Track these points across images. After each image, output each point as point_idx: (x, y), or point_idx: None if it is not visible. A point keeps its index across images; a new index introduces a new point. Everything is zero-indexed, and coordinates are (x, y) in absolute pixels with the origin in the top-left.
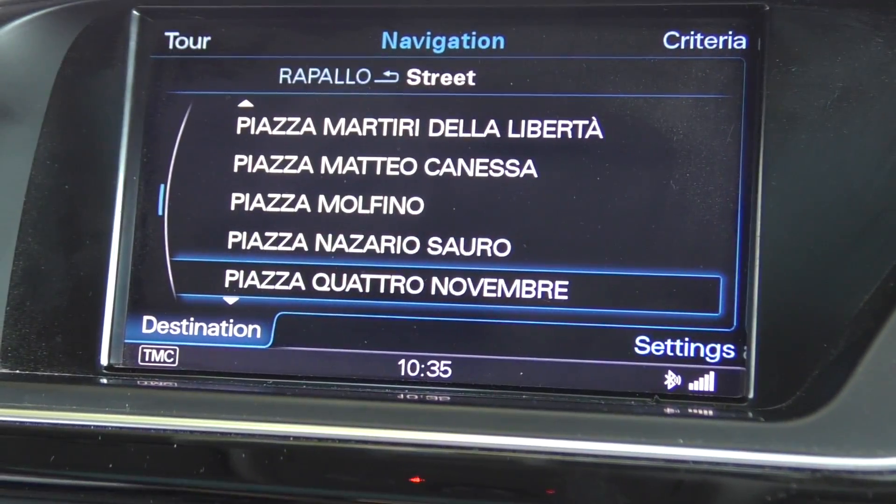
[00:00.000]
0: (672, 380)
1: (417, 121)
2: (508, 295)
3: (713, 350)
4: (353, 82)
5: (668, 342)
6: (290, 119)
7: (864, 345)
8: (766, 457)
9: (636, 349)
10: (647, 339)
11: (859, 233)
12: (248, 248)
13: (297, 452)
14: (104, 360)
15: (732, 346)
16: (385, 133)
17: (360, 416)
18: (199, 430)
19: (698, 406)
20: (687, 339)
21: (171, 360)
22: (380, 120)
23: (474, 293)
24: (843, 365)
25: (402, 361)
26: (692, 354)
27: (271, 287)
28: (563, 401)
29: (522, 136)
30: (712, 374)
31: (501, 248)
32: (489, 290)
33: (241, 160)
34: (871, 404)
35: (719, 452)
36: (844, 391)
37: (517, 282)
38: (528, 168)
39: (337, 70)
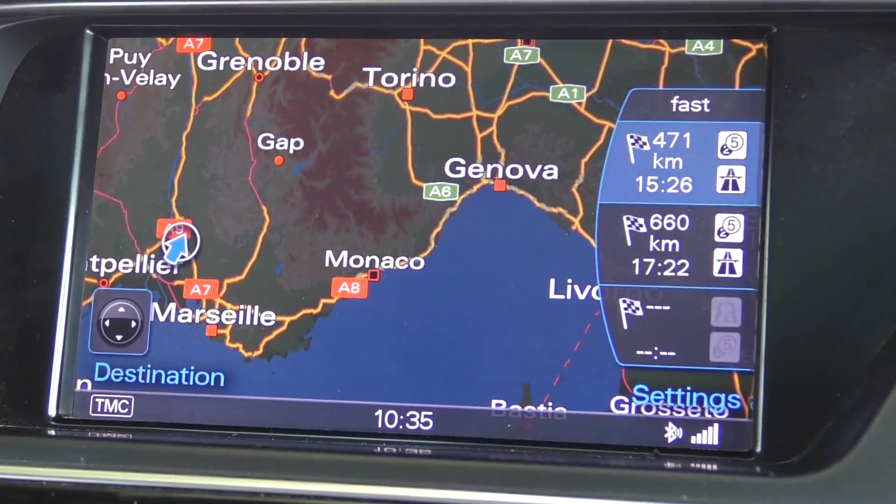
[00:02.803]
0: (673, 432)
1: None
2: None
3: (717, 400)
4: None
5: (669, 391)
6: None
7: (881, 394)
8: None
9: (634, 398)
10: (646, 388)
11: (875, 273)
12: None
13: None
14: (52, 411)
15: (738, 397)
16: None
17: (336, 470)
18: (162, 486)
19: (702, 460)
20: (689, 387)
21: (126, 410)
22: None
23: None
24: (859, 416)
25: (380, 412)
26: (694, 404)
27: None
28: (555, 454)
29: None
30: (716, 425)
31: None
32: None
33: None
34: (890, 458)
35: None
36: (861, 444)
37: None
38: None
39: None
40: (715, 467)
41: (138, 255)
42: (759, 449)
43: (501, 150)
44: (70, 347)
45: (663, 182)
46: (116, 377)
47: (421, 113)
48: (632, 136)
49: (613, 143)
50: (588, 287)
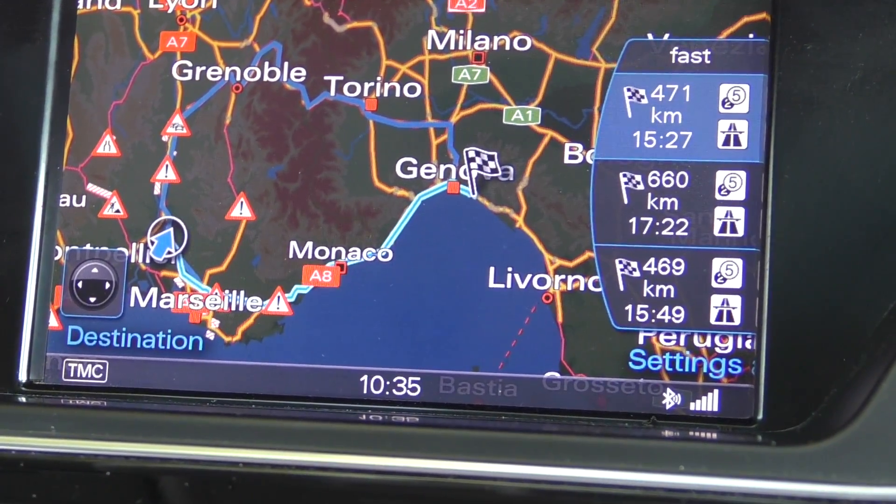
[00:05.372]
0: (671, 398)
1: None
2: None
3: (717, 365)
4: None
5: (667, 356)
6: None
7: (889, 359)
8: (780, 485)
9: (630, 364)
10: (643, 353)
11: (884, 232)
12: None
13: (247, 480)
14: (23, 376)
15: (739, 361)
16: None
17: (318, 439)
18: (136, 456)
19: (701, 428)
20: (688, 352)
21: (101, 375)
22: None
23: None
24: (865, 382)
25: (365, 377)
26: (693, 370)
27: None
28: (548, 422)
29: None
30: (716, 391)
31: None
32: None
33: None
34: None
35: (726, 481)
36: (867, 412)
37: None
38: None
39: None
40: (714, 436)
41: (125, 251)
42: (760, 416)
43: (454, 156)
44: (41, 310)
45: (662, 137)
46: (90, 341)
47: (383, 122)
48: (629, 89)
49: (609, 96)
50: (529, 276)
